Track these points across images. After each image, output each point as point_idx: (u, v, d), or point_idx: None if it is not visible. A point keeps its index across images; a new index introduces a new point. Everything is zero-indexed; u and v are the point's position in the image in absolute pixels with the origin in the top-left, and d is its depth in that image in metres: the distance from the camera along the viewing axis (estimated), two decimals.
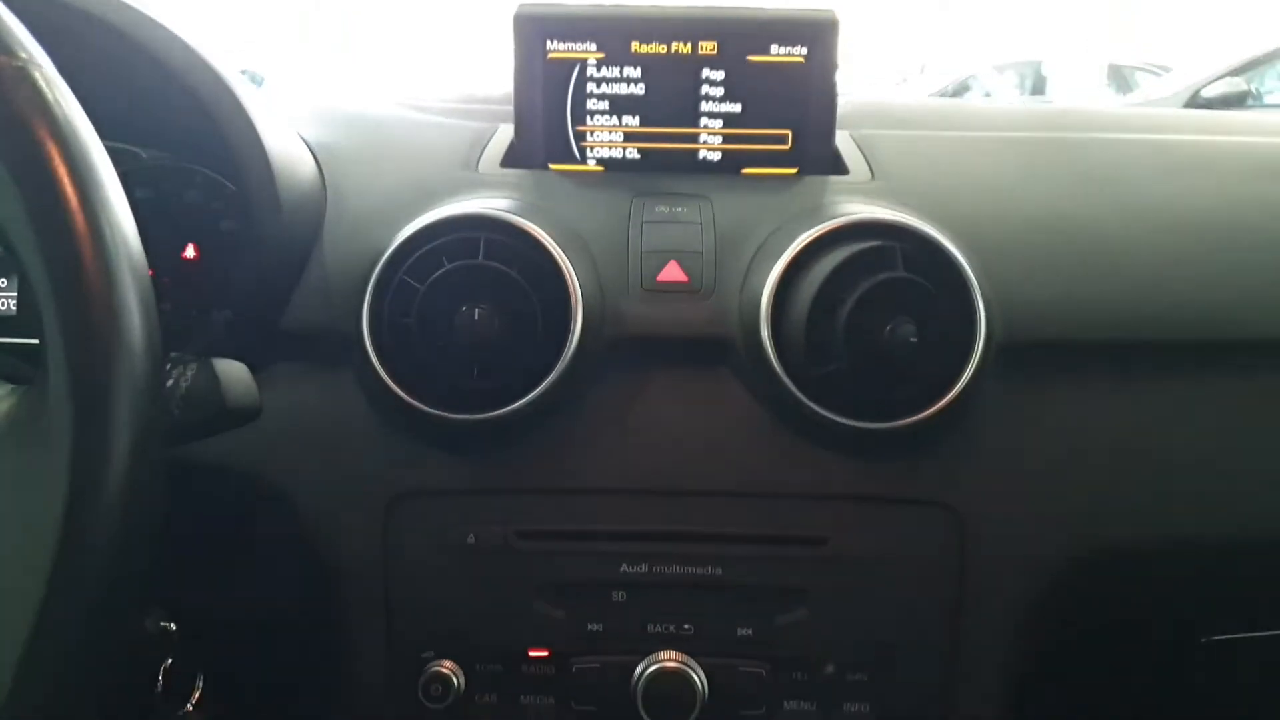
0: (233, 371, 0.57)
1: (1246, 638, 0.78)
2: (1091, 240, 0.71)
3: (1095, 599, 0.70)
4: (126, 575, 0.46)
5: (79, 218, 0.43)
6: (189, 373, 0.57)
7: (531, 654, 0.68)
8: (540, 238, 0.65)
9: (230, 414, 0.57)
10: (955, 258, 0.65)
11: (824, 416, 0.66)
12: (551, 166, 0.76)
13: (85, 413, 0.44)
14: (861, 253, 0.64)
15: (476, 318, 0.64)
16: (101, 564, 0.44)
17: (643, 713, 0.65)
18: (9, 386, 0.50)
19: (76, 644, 0.44)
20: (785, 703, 0.68)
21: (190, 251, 0.74)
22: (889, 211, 0.68)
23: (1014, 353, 0.68)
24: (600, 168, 0.77)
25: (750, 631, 0.67)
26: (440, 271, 0.64)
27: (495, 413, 0.66)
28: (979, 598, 0.67)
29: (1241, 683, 0.83)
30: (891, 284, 0.64)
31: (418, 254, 0.65)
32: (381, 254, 0.66)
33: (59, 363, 0.43)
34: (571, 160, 0.77)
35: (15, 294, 0.74)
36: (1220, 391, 0.70)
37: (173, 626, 0.68)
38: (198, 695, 0.71)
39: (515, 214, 0.66)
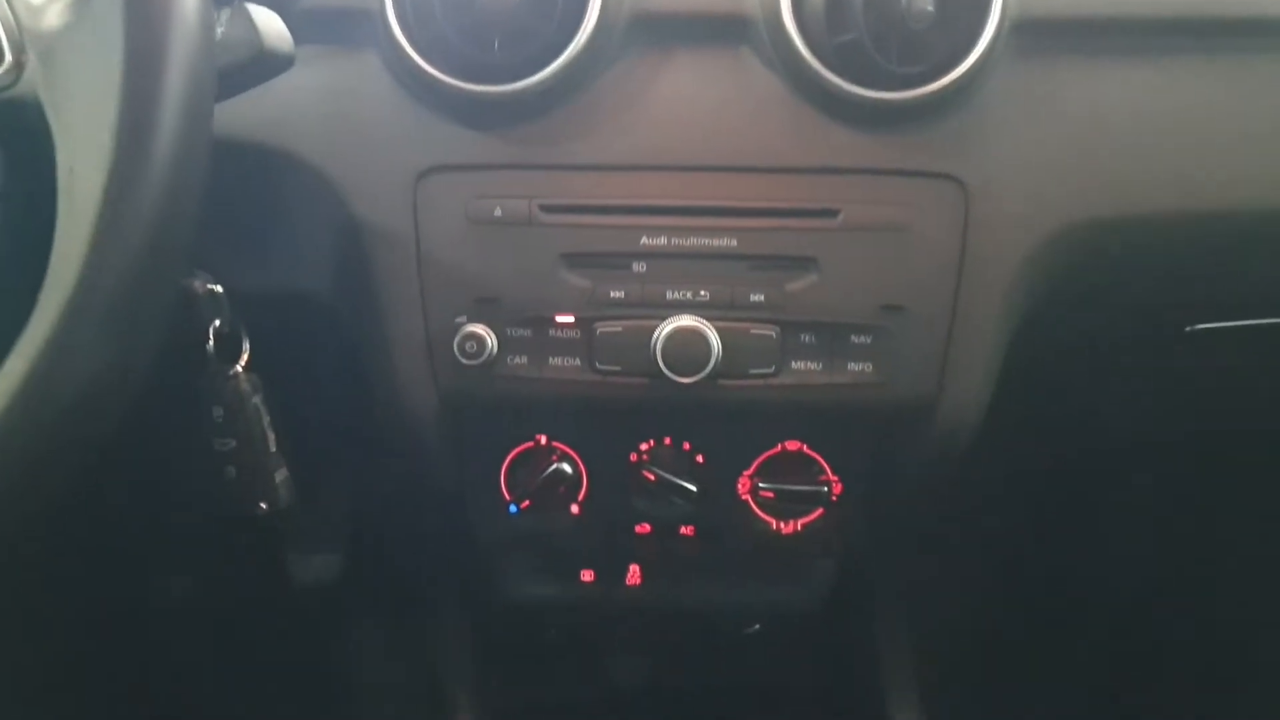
0: (266, 17, 0.59)
1: (1227, 327, 0.83)
2: None
3: (1083, 264, 0.74)
4: (176, 217, 0.48)
5: None
6: (224, 17, 0.58)
7: (558, 319, 0.73)
8: None
9: (267, 59, 0.58)
10: None
11: (840, 87, 0.68)
12: None
13: (138, 52, 0.45)
14: None
15: None
16: (152, 203, 0.47)
17: (662, 367, 0.71)
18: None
19: (127, 282, 0.46)
20: (793, 363, 0.73)
21: None
22: None
23: (1027, 30, 0.70)
24: None
25: (762, 298, 0.72)
26: None
27: (516, 85, 0.68)
28: (977, 262, 0.71)
29: (1223, 370, 0.89)
30: None
31: None
32: None
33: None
34: None
35: None
36: (1222, 72, 0.72)
37: (219, 289, 0.73)
38: (246, 358, 0.76)
39: None
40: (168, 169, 0.45)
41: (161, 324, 0.50)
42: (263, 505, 0.78)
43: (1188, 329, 0.83)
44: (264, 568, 1.31)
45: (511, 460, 0.85)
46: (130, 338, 0.47)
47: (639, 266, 0.72)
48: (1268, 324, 0.83)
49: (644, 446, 0.83)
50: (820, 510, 0.85)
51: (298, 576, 1.31)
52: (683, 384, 0.71)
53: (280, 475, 0.78)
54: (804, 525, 0.86)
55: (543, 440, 0.83)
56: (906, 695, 0.90)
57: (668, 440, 0.83)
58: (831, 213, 0.71)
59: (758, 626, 1.07)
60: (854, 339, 0.73)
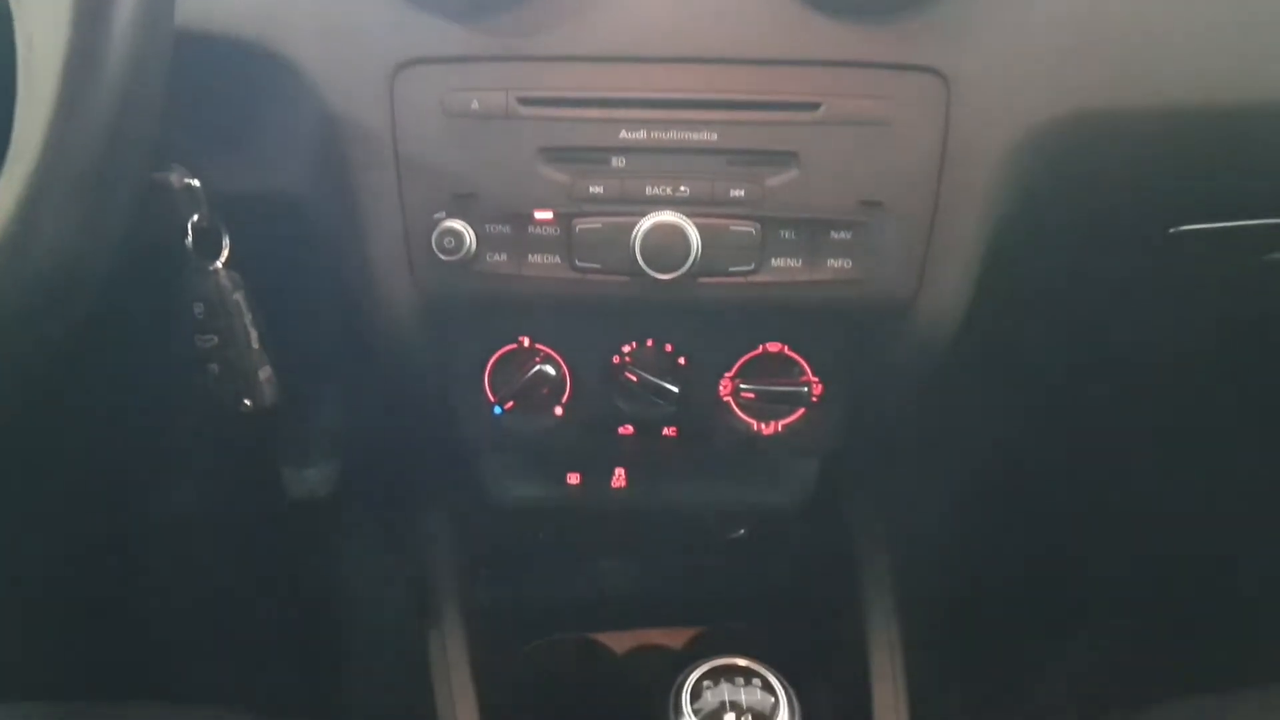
0: None
1: (1212, 228, 0.82)
2: None
3: (1065, 160, 0.73)
4: (139, 85, 0.47)
5: None
6: None
7: (536, 215, 0.73)
8: None
9: None
10: None
11: None
12: None
13: None
14: None
15: None
16: (114, 70, 0.46)
17: (641, 264, 0.70)
18: None
19: (92, 150, 0.46)
20: (773, 259, 0.73)
21: None
22: None
23: None
24: None
25: (742, 193, 0.71)
26: None
27: None
28: (959, 156, 0.70)
29: (1207, 274, 0.89)
30: None
31: None
32: None
33: None
34: None
35: None
36: None
37: (196, 184, 0.72)
38: (226, 254, 0.76)
39: None
40: (129, 36, 0.45)
41: (132, 194, 0.50)
42: (247, 403, 0.79)
43: (1171, 230, 0.83)
44: (257, 483, 1.33)
45: (495, 362, 0.85)
46: (99, 206, 0.47)
47: (618, 161, 0.72)
48: (1257, 225, 0.82)
49: (626, 348, 0.84)
50: (801, 411, 0.86)
51: (292, 491, 1.33)
52: (662, 281, 0.71)
53: (264, 373, 0.79)
54: (784, 427, 0.87)
55: (525, 342, 0.84)
56: (882, 600, 0.92)
57: (650, 342, 0.84)
58: (812, 106, 0.70)
59: (742, 532, 1.08)
60: (834, 235, 0.73)
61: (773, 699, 0.60)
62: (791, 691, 0.60)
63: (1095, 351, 1.06)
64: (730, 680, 0.61)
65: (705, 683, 0.61)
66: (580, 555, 1.12)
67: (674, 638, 1.05)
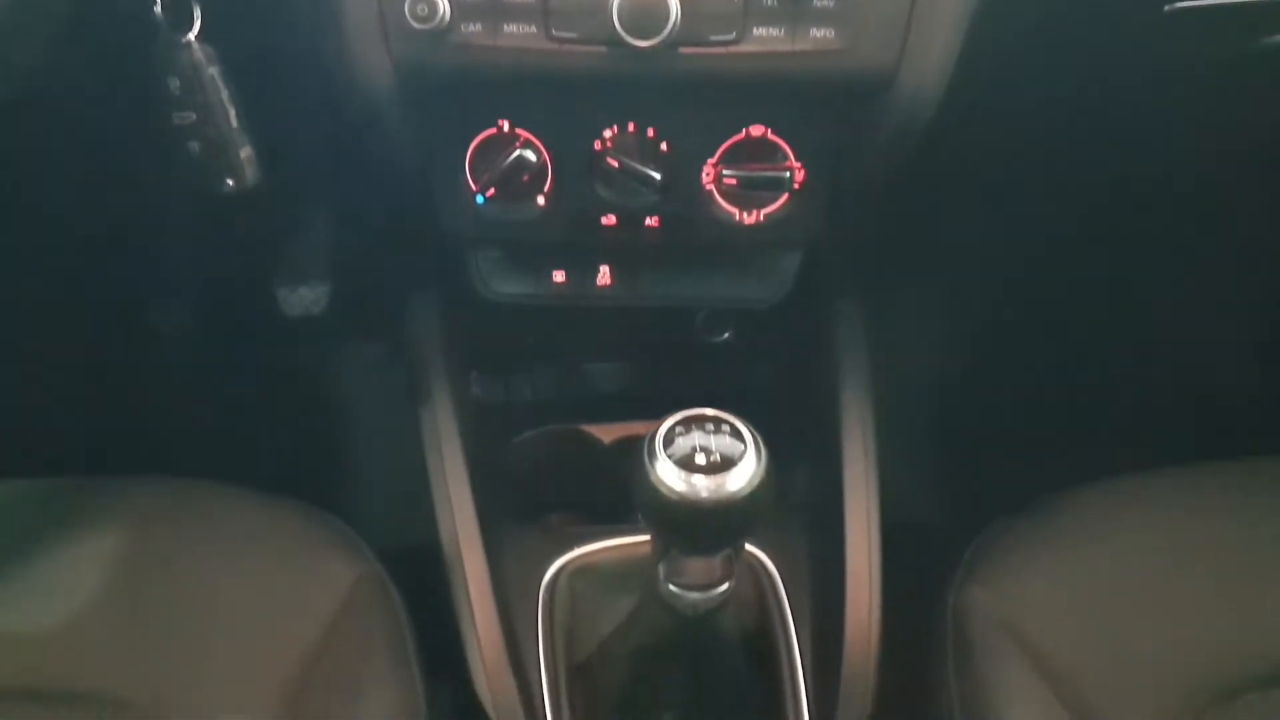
0: None
1: (1208, 5, 0.80)
2: None
3: None
4: None
5: None
6: None
7: None
8: None
9: None
10: None
11: None
12: None
13: None
14: None
15: None
16: None
17: (619, 30, 0.69)
18: None
19: None
20: (755, 29, 0.72)
21: None
22: None
23: None
24: None
25: None
26: None
27: None
28: None
29: (1201, 57, 0.87)
30: None
31: None
32: None
33: None
34: None
35: None
36: None
37: None
38: (198, 26, 0.75)
39: None
40: None
41: None
42: (230, 183, 0.79)
43: (1166, 8, 0.81)
44: (253, 301, 1.35)
45: (475, 148, 0.85)
46: None
47: None
48: (1254, 2, 0.80)
49: (607, 133, 0.83)
50: (783, 198, 0.86)
51: (287, 310, 1.35)
52: (641, 50, 0.70)
53: (245, 152, 0.79)
54: (766, 216, 0.88)
55: (505, 126, 0.83)
56: (859, 386, 0.94)
57: (631, 127, 0.83)
58: None
59: (728, 335, 1.11)
60: (817, 2, 0.71)
61: (741, 445, 0.63)
62: (759, 436, 0.63)
63: (1078, 154, 1.05)
64: (701, 428, 0.64)
65: (678, 429, 0.64)
66: (569, 357, 1.14)
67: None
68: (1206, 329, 1.32)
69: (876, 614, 0.84)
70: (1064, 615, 0.81)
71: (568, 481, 1.13)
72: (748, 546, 0.93)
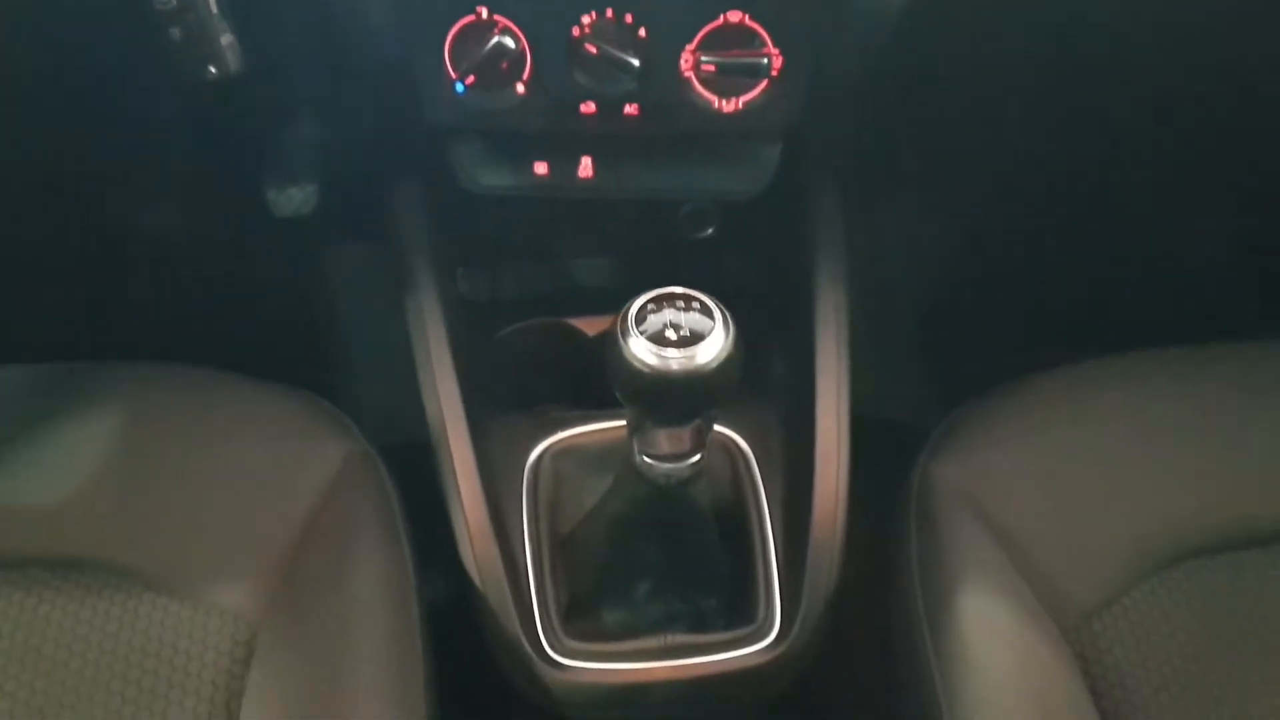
0: None
1: None
2: None
3: None
4: None
5: None
6: None
7: None
8: None
9: None
10: None
11: None
12: None
13: None
14: None
15: None
16: None
17: None
18: None
19: None
20: None
21: None
22: None
23: None
24: None
25: None
26: None
27: None
28: None
29: None
30: None
31: None
32: None
33: None
34: None
35: None
36: None
37: None
38: None
39: None
40: None
41: None
42: (211, 70, 0.80)
43: None
44: (242, 199, 1.36)
45: (454, 36, 0.85)
46: None
47: None
48: None
49: (585, 19, 0.84)
50: (762, 84, 0.87)
51: (278, 211, 1.36)
52: None
53: (226, 39, 0.80)
54: (745, 104, 0.89)
55: (483, 13, 0.84)
56: (834, 275, 0.97)
57: (609, 13, 0.84)
58: None
59: (710, 231, 1.12)
60: None
61: (710, 320, 0.65)
62: (728, 313, 0.66)
63: (1066, 63, 1.05)
64: (672, 305, 0.66)
65: (650, 306, 0.66)
66: (554, 253, 1.16)
67: None
68: (1183, 230, 1.33)
69: (844, 490, 0.88)
70: (1023, 489, 0.85)
71: (553, 372, 1.16)
72: (724, 429, 0.97)
